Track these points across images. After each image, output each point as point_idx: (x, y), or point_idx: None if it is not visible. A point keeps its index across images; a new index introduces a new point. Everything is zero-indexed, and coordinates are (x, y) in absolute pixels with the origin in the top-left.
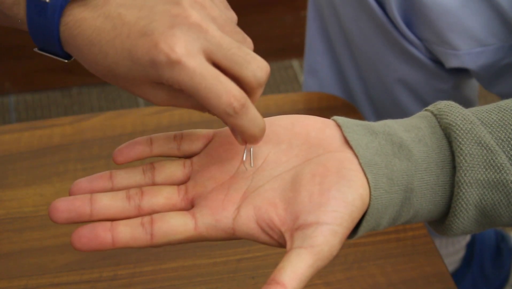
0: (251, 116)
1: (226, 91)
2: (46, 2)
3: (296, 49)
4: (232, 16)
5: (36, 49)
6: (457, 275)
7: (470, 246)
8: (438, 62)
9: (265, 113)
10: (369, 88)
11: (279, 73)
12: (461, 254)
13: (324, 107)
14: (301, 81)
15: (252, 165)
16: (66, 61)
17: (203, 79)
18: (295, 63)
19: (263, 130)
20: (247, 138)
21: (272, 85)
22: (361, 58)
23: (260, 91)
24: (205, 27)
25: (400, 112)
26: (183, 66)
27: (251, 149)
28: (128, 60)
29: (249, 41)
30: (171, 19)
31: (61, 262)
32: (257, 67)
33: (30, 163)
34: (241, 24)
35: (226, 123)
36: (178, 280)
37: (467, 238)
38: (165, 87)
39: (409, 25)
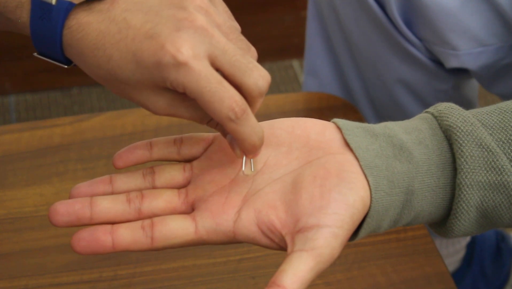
0: (252, 123)
1: (229, 96)
2: (51, 4)
3: (296, 49)
4: (236, 25)
5: (35, 54)
6: (457, 275)
7: (470, 246)
8: (438, 62)
9: (265, 113)
10: (369, 88)
11: (279, 73)
12: (461, 254)
13: (324, 107)
14: (301, 81)
15: (252, 169)
16: (66, 66)
17: (208, 82)
18: (295, 63)
19: (262, 140)
20: (246, 147)
21: (272, 85)
22: (361, 58)
23: (260, 100)
24: (211, 31)
25: (400, 113)
26: (189, 68)
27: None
28: (133, 63)
29: (253, 50)
30: (177, 22)
31: (61, 262)
32: (259, 76)
33: (30, 163)
34: (241, 24)
35: (226, 129)
36: (179, 280)
37: (467, 238)
38: (167, 94)
39: (409, 25)
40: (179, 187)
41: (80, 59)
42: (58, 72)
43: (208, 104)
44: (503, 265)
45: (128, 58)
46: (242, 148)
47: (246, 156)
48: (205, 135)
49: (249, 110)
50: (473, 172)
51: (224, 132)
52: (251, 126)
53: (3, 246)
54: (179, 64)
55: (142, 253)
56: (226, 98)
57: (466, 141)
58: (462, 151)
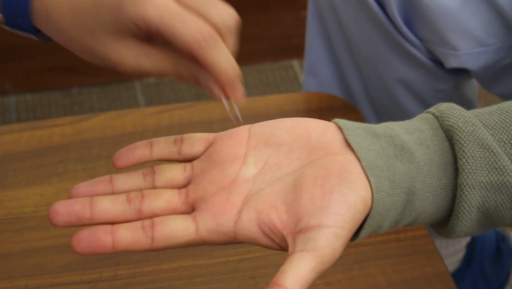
0: (224, 52)
1: (195, 22)
2: None
3: (296, 49)
4: None
5: (4, 26)
6: (457, 275)
7: (470, 246)
8: (438, 62)
9: (265, 113)
10: (369, 88)
11: (279, 73)
12: (461, 254)
13: (324, 108)
14: (301, 81)
15: (241, 121)
16: (35, 38)
17: (170, 12)
18: (295, 63)
19: (237, 72)
20: (221, 80)
21: (272, 85)
22: (361, 58)
23: (229, 38)
24: None
25: (400, 113)
26: (149, 1)
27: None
28: (94, 6)
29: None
30: None
31: (61, 262)
32: (223, 10)
33: (30, 163)
34: (241, 24)
35: (198, 59)
36: (179, 280)
37: (467, 238)
38: (132, 44)
39: (409, 25)
40: (180, 187)
41: (45, 21)
42: (58, 72)
43: (173, 34)
44: (503, 265)
45: (88, 2)
46: (218, 82)
47: (225, 93)
48: (206, 135)
49: (219, 37)
50: (474, 173)
51: (200, 80)
52: (223, 54)
53: (3, 246)
54: None
55: (142, 253)
56: (192, 23)
57: (467, 142)
58: (463, 151)
